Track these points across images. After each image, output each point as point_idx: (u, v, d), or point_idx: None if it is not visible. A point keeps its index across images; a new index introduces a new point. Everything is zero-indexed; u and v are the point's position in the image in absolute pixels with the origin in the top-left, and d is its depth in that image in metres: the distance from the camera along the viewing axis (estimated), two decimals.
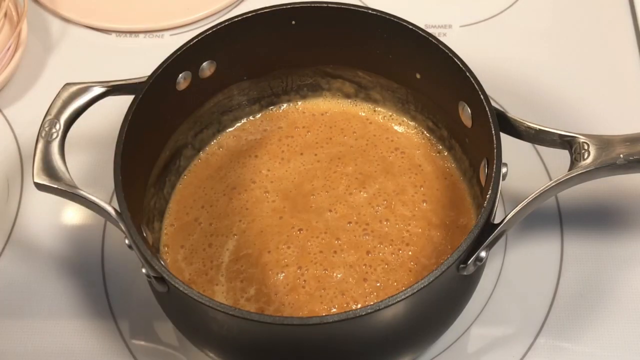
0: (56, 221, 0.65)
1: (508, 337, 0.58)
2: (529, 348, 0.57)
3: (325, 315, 0.46)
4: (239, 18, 0.57)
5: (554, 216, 0.63)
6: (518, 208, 0.50)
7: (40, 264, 0.63)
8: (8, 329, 0.60)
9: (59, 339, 0.59)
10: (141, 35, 0.77)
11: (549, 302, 0.59)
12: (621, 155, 0.51)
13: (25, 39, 0.73)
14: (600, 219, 0.63)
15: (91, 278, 0.62)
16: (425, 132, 0.62)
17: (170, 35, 0.76)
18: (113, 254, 0.63)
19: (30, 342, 0.59)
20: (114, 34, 0.77)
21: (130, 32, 0.77)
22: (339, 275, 0.55)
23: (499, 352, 0.57)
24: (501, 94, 0.69)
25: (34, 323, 0.60)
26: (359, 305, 0.54)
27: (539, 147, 0.61)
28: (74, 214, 0.65)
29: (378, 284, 0.55)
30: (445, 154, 0.61)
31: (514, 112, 0.55)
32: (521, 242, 0.62)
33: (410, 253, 0.56)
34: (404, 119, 0.63)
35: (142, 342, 0.59)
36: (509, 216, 0.50)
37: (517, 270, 0.60)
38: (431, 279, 0.45)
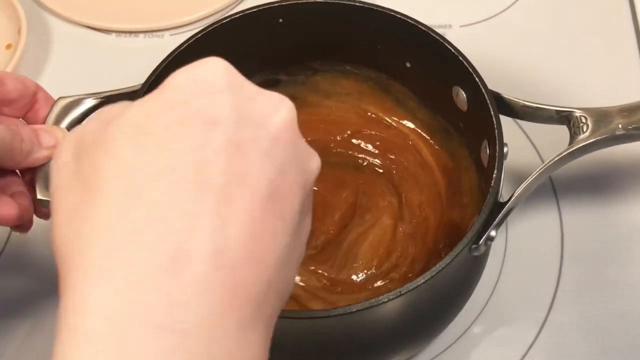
0: None
1: (508, 336, 0.58)
2: (529, 348, 0.57)
3: (350, 305, 0.44)
4: (231, 18, 0.57)
5: (554, 216, 0.63)
6: (525, 184, 0.50)
7: (40, 265, 0.63)
8: (8, 328, 0.60)
9: None
10: (141, 35, 0.77)
11: (549, 302, 0.59)
12: (619, 125, 0.51)
13: (25, 39, 0.73)
14: (600, 219, 0.63)
15: None
16: (419, 120, 0.62)
17: (170, 35, 0.76)
18: None
19: (30, 342, 0.59)
20: (114, 34, 0.77)
21: (130, 32, 0.77)
22: (339, 277, 0.56)
23: (499, 351, 0.57)
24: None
25: (34, 323, 0.60)
26: None
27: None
28: None
29: (389, 275, 0.56)
30: (441, 140, 0.61)
31: None
32: (521, 242, 0.62)
33: (414, 247, 0.57)
34: (397, 109, 0.63)
35: None
36: (517, 192, 0.50)
37: (517, 272, 0.60)
38: (448, 261, 0.45)
